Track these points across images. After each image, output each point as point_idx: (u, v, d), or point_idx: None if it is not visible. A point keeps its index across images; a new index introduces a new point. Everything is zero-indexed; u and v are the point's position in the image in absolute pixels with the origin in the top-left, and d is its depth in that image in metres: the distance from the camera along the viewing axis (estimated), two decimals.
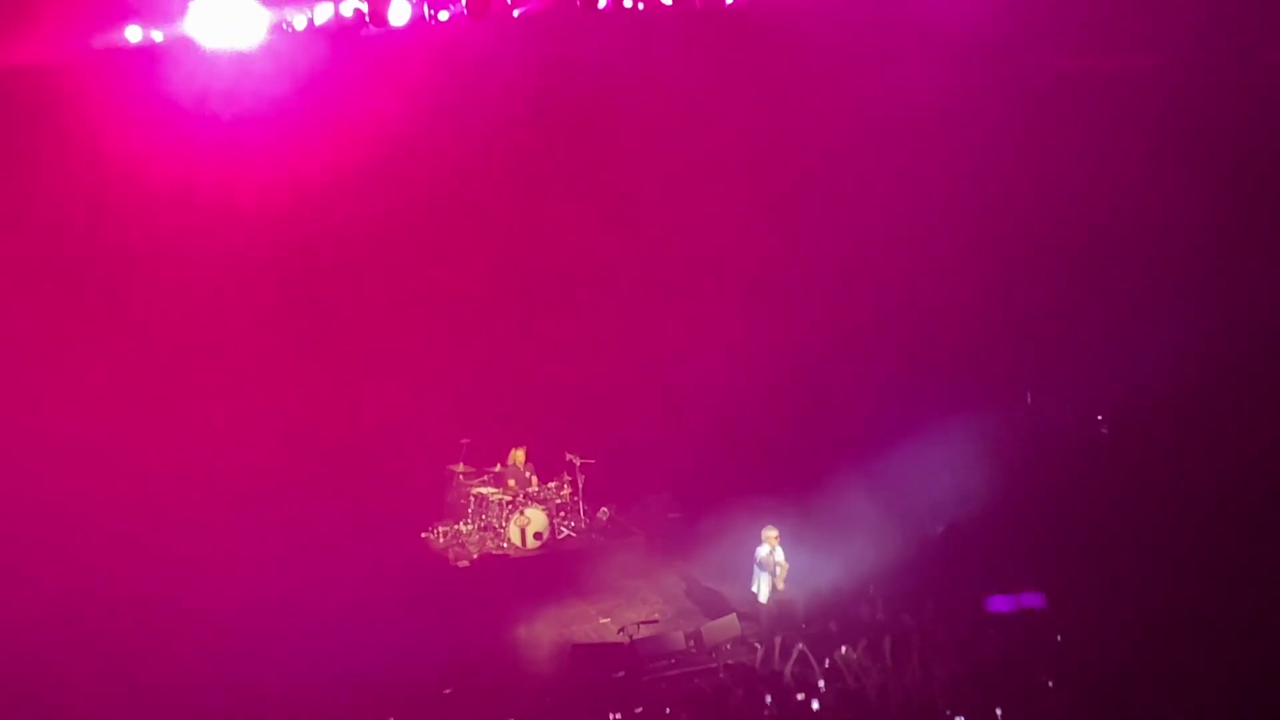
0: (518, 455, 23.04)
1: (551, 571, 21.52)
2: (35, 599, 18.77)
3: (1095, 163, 21.86)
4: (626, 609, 20.36)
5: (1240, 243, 20.99)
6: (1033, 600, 15.20)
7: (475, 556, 21.85)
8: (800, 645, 16.77)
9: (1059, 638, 16.12)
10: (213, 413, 22.30)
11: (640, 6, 19.63)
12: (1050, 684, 14.99)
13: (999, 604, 15.06)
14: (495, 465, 23.06)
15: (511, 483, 22.63)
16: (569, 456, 22.73)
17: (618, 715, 16.37)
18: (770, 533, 19.10)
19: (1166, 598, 17.46)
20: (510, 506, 22.22)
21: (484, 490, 22.62)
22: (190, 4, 18.59)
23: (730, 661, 18.10)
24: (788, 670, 16.62)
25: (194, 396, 22.27)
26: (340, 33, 19.08)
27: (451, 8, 19.20)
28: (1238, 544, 18.84)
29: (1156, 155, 21.23)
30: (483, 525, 22.47)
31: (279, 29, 19.20)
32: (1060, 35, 21.41)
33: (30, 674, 17.24)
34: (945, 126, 22.05)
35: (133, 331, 22.00)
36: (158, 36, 19.21)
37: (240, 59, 19.30)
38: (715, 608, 20.01)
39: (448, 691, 17.05)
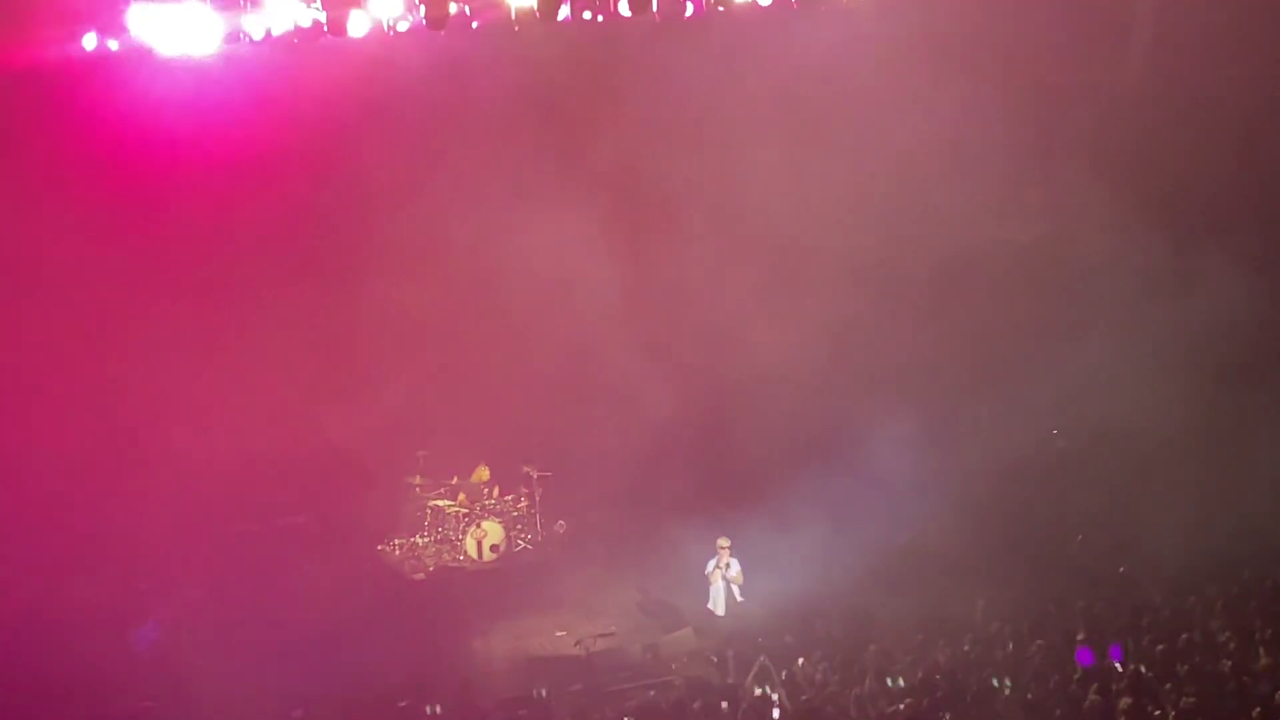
0: (482, 473, 22.98)
1: (507, 584, 21.51)
2: None
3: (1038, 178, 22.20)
4: (583, 622, 20.26)
5: (1188, 259, 21.28)
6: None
7: (431, 569, 21.76)
8: (763, 658, 16.73)
9: (1009, 646, 16.27)
10: (166, 427, 22.10)
11: (599, 19, 19.67)
12: (1006, 692, 15.09)
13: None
14: (452, 477, 22.96)
15: (461, 496, 22.54)
16: (526, 469, 22.65)
17: None
18: (722, 543, 19.18)
19: (1116, 604, 17.60)
20: (466, 519, 22.13)
21: (440, 503, 22.51)
22: (146, 12, 18.49)
23: (687, 674, 18.06)
24: (748, 683, 16.60)
25: (147, 411, 22.07)
26: (298, 42, 19.02)
27: (410, 18, 19.21)
28: (1199, 547, 19.03)
29: (1104, 172, 21.54)
30: (439, 538, 22.37)
31: (235, 38, 19.12)
32: (1007, 48, 21.66)
33: None
34: (888, 140, 22.25)
35: (86, 346, 21.77)
36: (113, 45, 19.11)
37: (197, 67, 19.22)
38: (672, 621, 19.97)
39: (402, 704, 16.92)
